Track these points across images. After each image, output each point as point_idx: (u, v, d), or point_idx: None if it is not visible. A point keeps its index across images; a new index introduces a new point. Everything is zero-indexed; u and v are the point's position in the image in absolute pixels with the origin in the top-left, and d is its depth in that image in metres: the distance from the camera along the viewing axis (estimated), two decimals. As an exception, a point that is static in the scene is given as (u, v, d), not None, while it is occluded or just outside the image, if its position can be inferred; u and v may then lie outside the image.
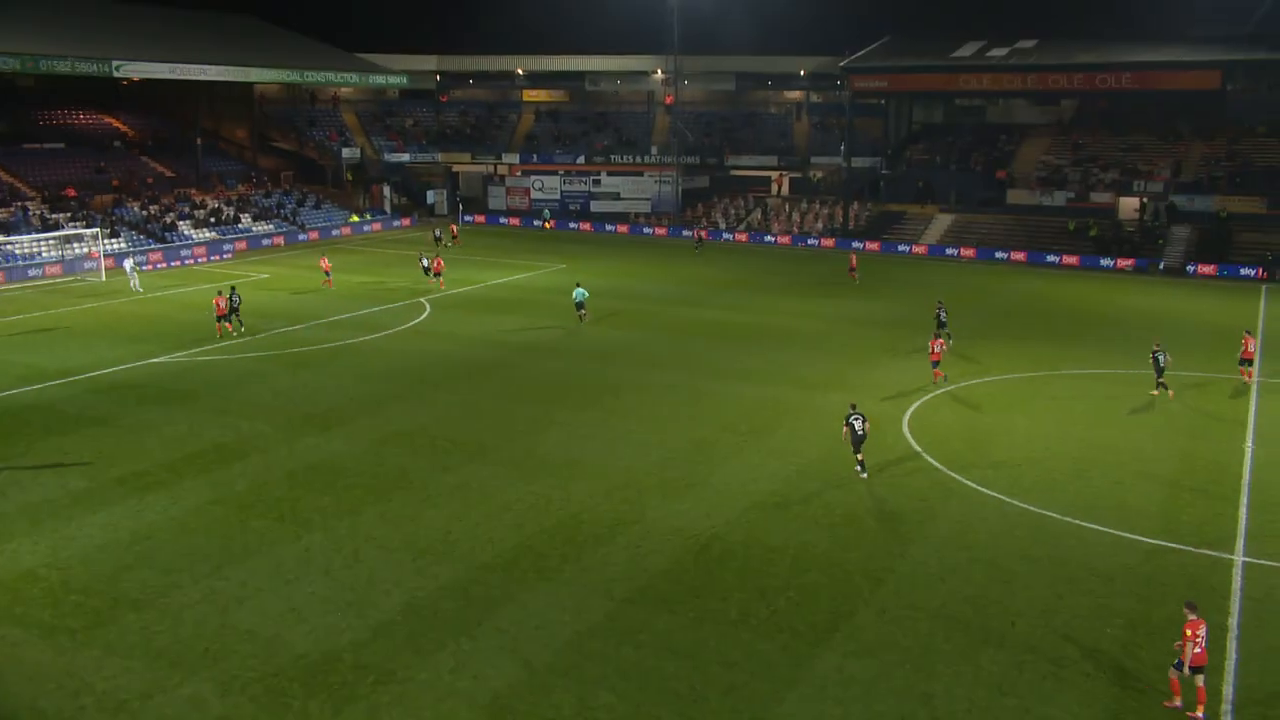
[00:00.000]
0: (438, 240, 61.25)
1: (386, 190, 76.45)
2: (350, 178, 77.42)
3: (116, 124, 71.01)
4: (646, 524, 19.61)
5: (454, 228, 58.75)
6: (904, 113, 74.62)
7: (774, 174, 76.42)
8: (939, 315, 35.02)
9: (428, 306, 41.53)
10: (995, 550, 18.55)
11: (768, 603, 16.66)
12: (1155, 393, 28.60)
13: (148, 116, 72.79)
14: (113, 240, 55.16)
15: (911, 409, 27.31)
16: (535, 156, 78.58)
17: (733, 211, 72.71)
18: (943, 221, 64.97)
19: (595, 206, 75.18)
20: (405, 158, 78.75)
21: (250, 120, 75.56)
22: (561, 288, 46.76)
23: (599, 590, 16.99)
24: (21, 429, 25.13)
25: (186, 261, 55.17)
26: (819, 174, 75.59)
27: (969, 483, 21.88)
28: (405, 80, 76.13)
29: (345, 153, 75.00)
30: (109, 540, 18.72)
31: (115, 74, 56.47)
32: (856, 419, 22.26)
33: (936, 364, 29.77)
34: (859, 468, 22.23)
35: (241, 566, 17.67)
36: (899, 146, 72.40)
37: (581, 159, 77.42)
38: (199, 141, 68.75)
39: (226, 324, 35.53)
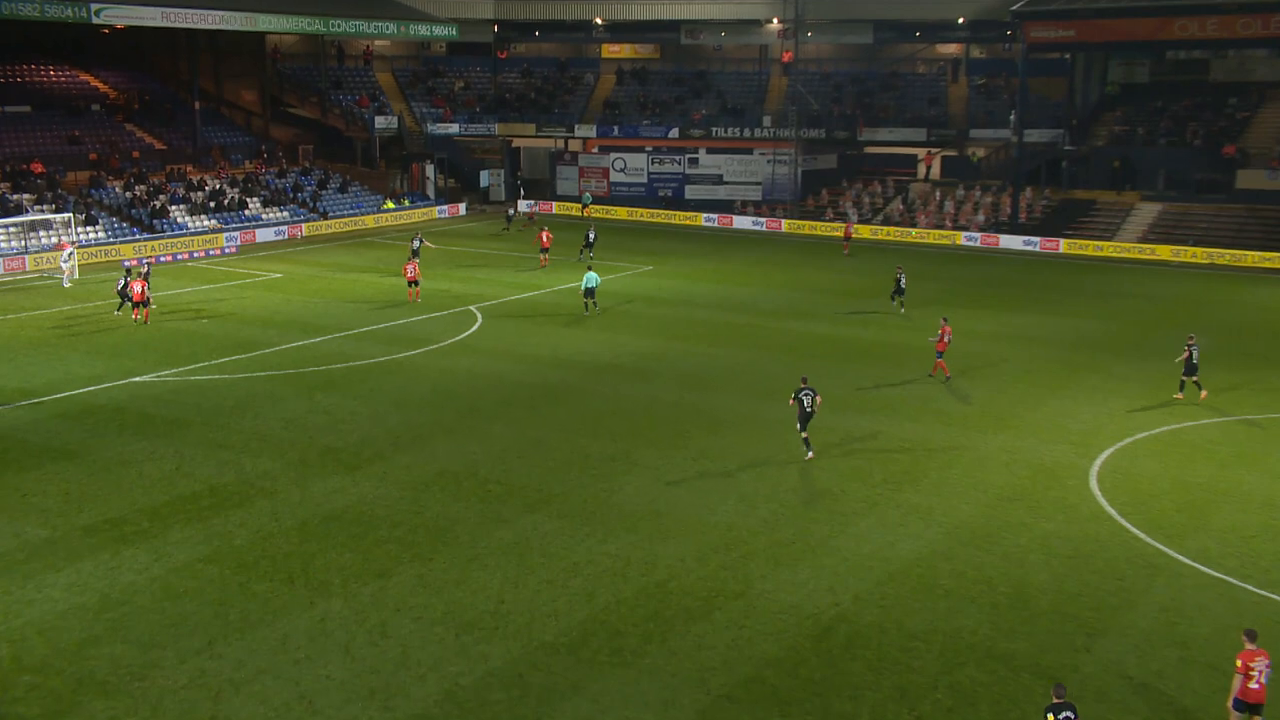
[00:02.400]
0: (510, 220, 64.28)
1: (430, 170, 78.23)
2: (384, 155, 79.53)
3: (95, 83, 73.98)
4: (752, 598, 19.55)
5: (533, 211, 59.59)
6: (1096, 70, 73.22)
7: (921, 152, 75.76)
8: (899, 281, 43.40)
9: (479, 316, 42.32)
10: (1220, 650, 17.90)
11: (910, 705, 16.41)
12: (1179, 395, 31.51)
13: (134, 74, 75.84)
14: (89, 228, 57.64)
15: (1102, 457, 26.70)
16: (616, 129, 79.52)
17: (866, 200, 72.31)
18: (1146, 212, 63.46)
19: (691, 193, 75.65)
20: (454, 129, 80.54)
21: (261, 81, 78.38)
22: (648, 293, 47.15)
23: (691, 681, 16.97)
24: (-19, 461, 26.26)
25: (179, 257, 57.28)
26: (980, 152, 74.66)
27: (1182, 557, 21.22)
28: (455, 32, 78.02)
29: (379, 122, 77.09)
30: (74, 605, 19.26)
31: (94, 20, 58.41)
32: (807, 394, 26.10)
33: (941, 354, 33.23)
34: (805, 447, 26.25)
35: (239, 641, 18.05)
36: (1088, 115, 71.07)
37: (675, 132, 78.04)
38: (197, 106, 71.31)
39: (136, 311, 38.80)
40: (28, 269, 50.83)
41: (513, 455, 26.82)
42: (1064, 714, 14.14)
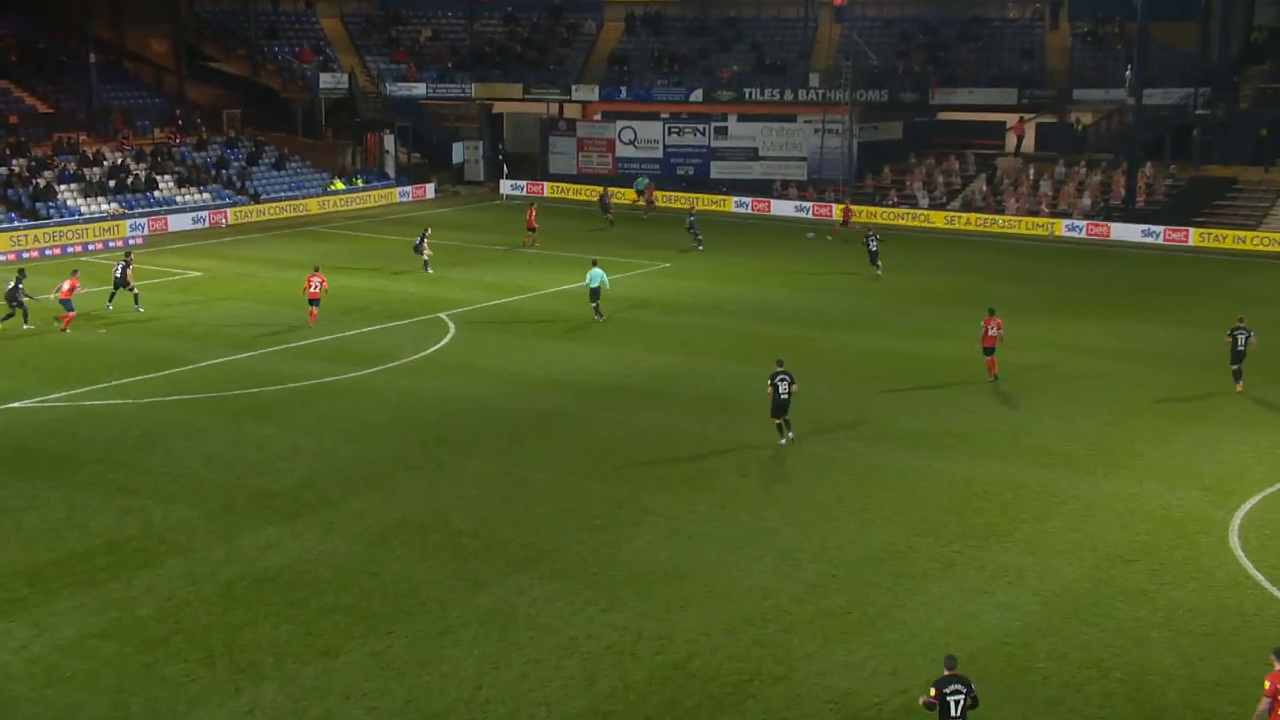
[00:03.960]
0: (610, 211, 65.05)
1: (389, 142, 78.52)
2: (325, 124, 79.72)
3: (-36, 30, 74.39)
4: (794, 683, 19.49)
5: (532, 213, 59.21)
6: (1238, 12, 73.22)
7: (1011, 118, 75.75)
8: (868, 245, 50.22)
9: (451, 326, 42.49)
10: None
11: (997, 821, 16.36)
12: (1241, 387, 34.40)
13: (11, 19, 75.94)
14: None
15: (1245, 508, 26.58)
16: (624, 91, 79.88)
17: (940, 179, 72.32)
18: (1301, 194, 63.37)
19: (718, 170, 75.82)
20: (420, 90, 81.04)
21: (175, 28, 78.70)
22: (665, 297, 47.30)
23: (718, 789, 16.99)
24: None
25: (70, 249, 57.59)
26: (1086, 118, 74.60)
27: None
28: (422, -33, 78.49)
29: (325, 81, 77.55)
30: (-59, 689, 19.37)
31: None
32: (783, 379, 29.45)
33: (990, 350, 35.34)
34: (781, 435, 29.92)
35: (152, 733, 18.16)
36: (1228, 70, 71.00)
37: (698, 95, 78.28)
38: (92, 59, 71.40)
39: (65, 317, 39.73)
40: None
41: (493, 500, 26.82)
42: (952, 686, 16.66)
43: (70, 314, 40.86)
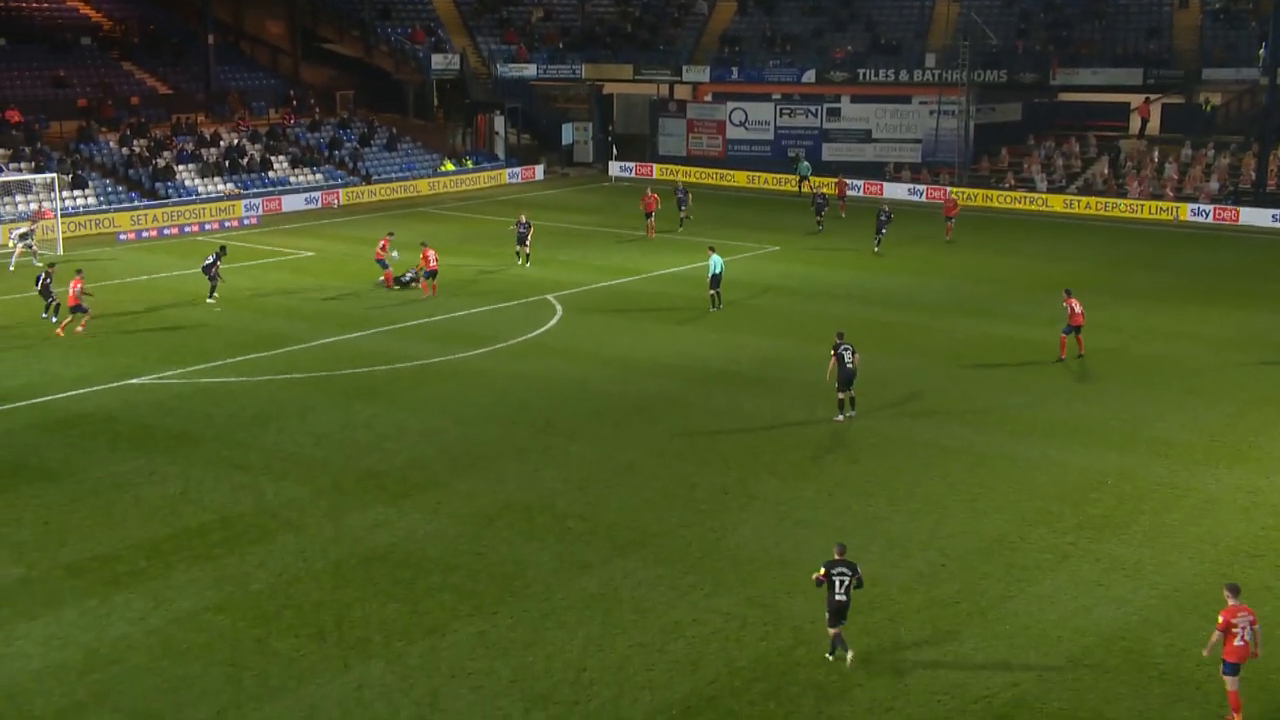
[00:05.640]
0: (820, 210, 59.36)
1: (499, 123, 79.09)
2: (435, 103, 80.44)
3: (86, 10, 76.37)
4: (902, 672, 19.45)
5: (651, 200, 56.40)
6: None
7: (1135, 99, 74.39)
8: (879, 219, 52.71)
9: (558, 308, 42.78)
10: None
11: (1109, 818, 16.19)
12: None
13: (135, 1, 77.88)
14: (77, 192, 59.52)
15: (1375, 503, 25.97)
16: (735, 71, 79.74)
17: (1060, 162, 71.25)
18: None
19: (830, 152, 75.34)
20: (530, 71, 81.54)
21: (290, 10, 79.99)
22: (773, 281, 47.21)
23: (822, 777, 17.02)
24: (-69, 483, 27.20)
25: (188, 229, 58.94)
26: (1215, 98, 72.98)
27: None
28: (533, -52, 78.92)
29: (436, 62, 78.32)
30: (53, 663, 19.74)
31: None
32: (846, 349, 30.13)
33: (1076, 329, 35.79)
34: (841, 412, 30.53)
35: (255, 712, 18.41)
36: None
37: (810, 76, 77.88)
38: (211, 41, 72.98)
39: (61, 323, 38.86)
40: (1, 241, 52.59)
41: (598, 484, 27.05)
42: (839, 569, 19.36)
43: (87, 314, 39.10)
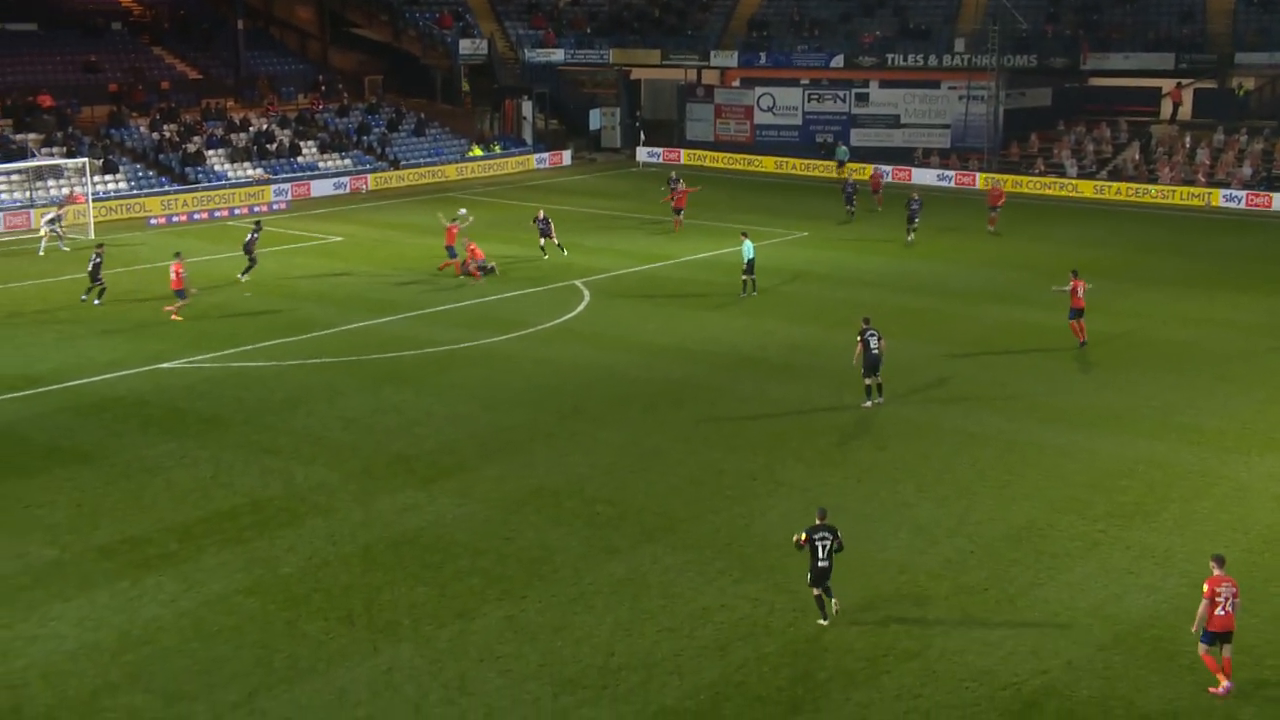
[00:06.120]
0: (851, 198, 58.30)
1: (527, 108, 79.15)
2: (466, 87, 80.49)
3: (117, -5, 76.62)
4: (930, 659, 19.45)
5: (681, 195, 54.81)
6: None
7: (1167, 84, 73.90)
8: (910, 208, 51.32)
9: (586, 294, 42.85)
10: None
11: (1137, 806, 16.20)
12: None
13: (165, -14, 78.14)
14: (108, 177, 59.86)
15: (1406, 492, 25.84)
16: (763, 56, 79.55)
17: (1090, 148, 70.86)
18: None
19: (858, 138, 75.14)
20: (558, 56, 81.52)
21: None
22: (801, 267, 47.17)
23: (849, 763, 17.07)
24: (-35, 464, 27.53)
25: (217, 214, 59.27)
26: (1249, 83, 72.40)
27: None
28: (561, -68, 78.87)
29: (464, 47, 78.34)
30: (86, 644, 19.94)
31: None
32: (872, 335, 30.31)
33: (1079, 312, 35.58)
34: (868, 398, 30.59)
35: (286, 694, 18.56)
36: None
37: (839, 61, 77.64)
38: (240, 26, 73.22)
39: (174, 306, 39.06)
40: (34, 225, 52.95)
41: (626, 469, 27.12)
42: (821, 533, 19.93)
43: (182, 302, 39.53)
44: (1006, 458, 27.71)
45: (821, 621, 20.10)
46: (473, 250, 44.36)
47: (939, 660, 19.40)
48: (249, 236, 44.17)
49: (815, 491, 25.71)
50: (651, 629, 20.28)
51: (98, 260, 40.50)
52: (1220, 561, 18.65)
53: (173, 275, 38.95)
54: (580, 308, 40.96)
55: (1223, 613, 18.16)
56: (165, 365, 34.43)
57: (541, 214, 49.77)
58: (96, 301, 40.35)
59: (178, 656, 19.46)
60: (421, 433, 29.26)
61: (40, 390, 32.25)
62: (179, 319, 38.60)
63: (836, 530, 20.15)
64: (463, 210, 48.31)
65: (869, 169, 67.87)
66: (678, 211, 54.13)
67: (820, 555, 19.89)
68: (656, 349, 36.15)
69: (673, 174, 53.26)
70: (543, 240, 48.55)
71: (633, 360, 35.02)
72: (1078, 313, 35.87)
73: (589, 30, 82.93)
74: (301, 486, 26.09)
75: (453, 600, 21.23)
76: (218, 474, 26.74)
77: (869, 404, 30.77)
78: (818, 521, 20.24)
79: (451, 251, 45.00)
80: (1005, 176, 67.10)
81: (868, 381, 30.78)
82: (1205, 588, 18.34)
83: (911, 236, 51.76)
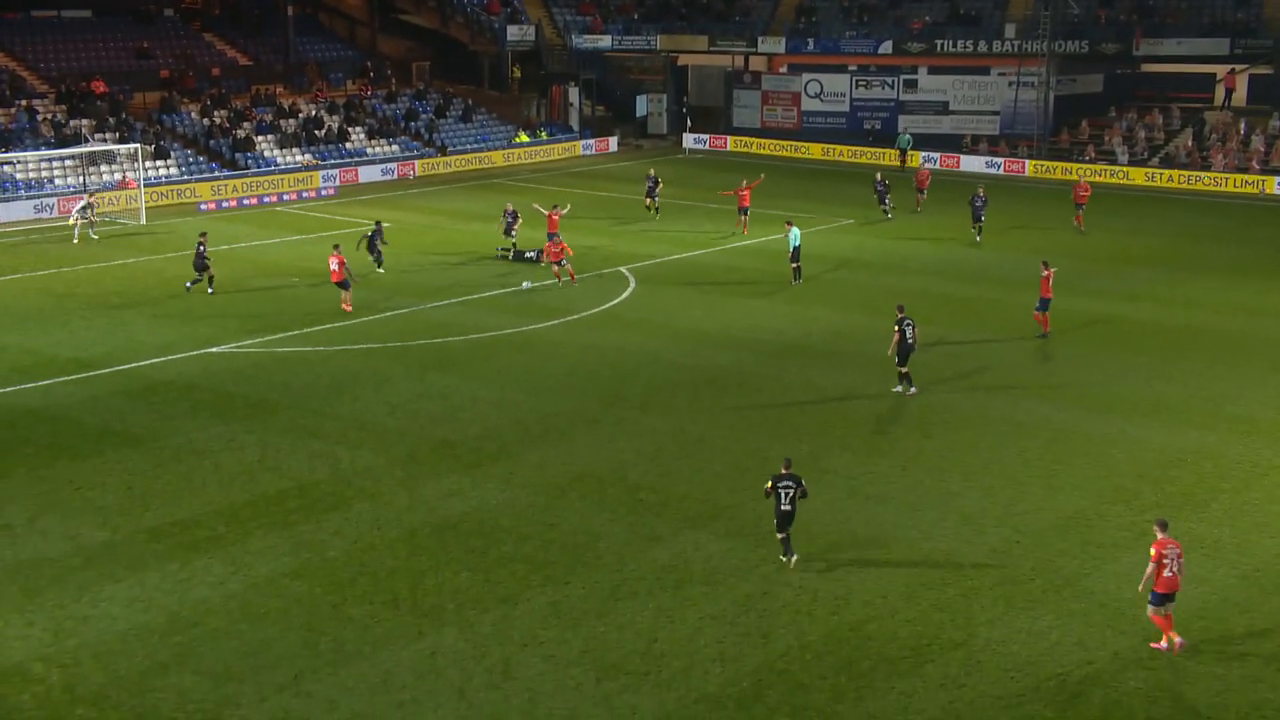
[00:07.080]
0: (885, 199, 54.96)
1: (574, 94, 79.19)
2: (518, 74, 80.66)
3: (169, -18, 76.98)
4: (975, 648, 19.38)
5: (745, 193, 51.07)
6: None
7: (1221, 70, 73.02)
8: (974, 204, 49.74)
9: (631, 280, 42.82)
10: None
11: (1184, 800, 16.05)
12: None
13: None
14: (159, 162, 60.35)
15: None
16: (811, 43, 79.09)
17: (1142, 134, 70.17)
18: None
19: (907, 124, 74.70)
20: (605, 43, 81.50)
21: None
22: (848, 255, 47.06)
23: (893, 752, 16.98)
24: (15, 447, 27.71)
25: (266, 200, 59.67)
26: (1303, 69, 71.45)
27: None
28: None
29: (512, 33, 78.46)
30: (136, 625, 20.20)
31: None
32: (908, 324, 30.26)
33: (1046, 305, 35.34)
34: (900, 385, 30.57)
35: (332, 677, 18.69)
36: None
37: (887, 47, 77.12)
38: (290, 13, 73.87)
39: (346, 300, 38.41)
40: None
41: (670, 456, 27.12)
42: (784, 482, 21.35)
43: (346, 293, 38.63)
44: (1054, 447, 27.53)
45: (784, 558, 21.69)
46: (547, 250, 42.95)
47: (983, 650, 19.31)
48: (370, 233, 43.48)
49: (860, 480, 25.66)
50: (694, 616, 20.27)
51: (201, 248, 40.30)
52: (1163, 525, 19.46)
53: (334, 266, 37.93)
54: (626, 294, 40.95)
55: (1170, 574, 18.99)
56: (214, 350, 34.69)
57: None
58: (209, 290, 40.10)
59: (226, 638, 19.65)
60: (466, 418, 29.35)
61: (92, 374, 32.60)
62: (349, 308, 38.24)
63: (800, 479, 21.58)
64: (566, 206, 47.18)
65: (916, 157, 67.51)
66: (743, 211, 50.46)
67: (783, 500, 21.37)
68: (701, 336, 36.10)
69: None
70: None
71: (678, 347, 34.98)
72: (1045, 304, 35.52)
73: (636, 16, 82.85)
74: (347, 471, 26.23)
75: (496, 585, 21.29)
76: (265, 458, 26.94)
77: (900, 389, 30.91)
78: (782, 471, 21.71)
79: (553, 238, 43.00)
80: (1054, 164, 66.48)
81: (902, 370, 30.82)
82: (1152, 551, 19.10)
83: (979, 237, 49.44)
